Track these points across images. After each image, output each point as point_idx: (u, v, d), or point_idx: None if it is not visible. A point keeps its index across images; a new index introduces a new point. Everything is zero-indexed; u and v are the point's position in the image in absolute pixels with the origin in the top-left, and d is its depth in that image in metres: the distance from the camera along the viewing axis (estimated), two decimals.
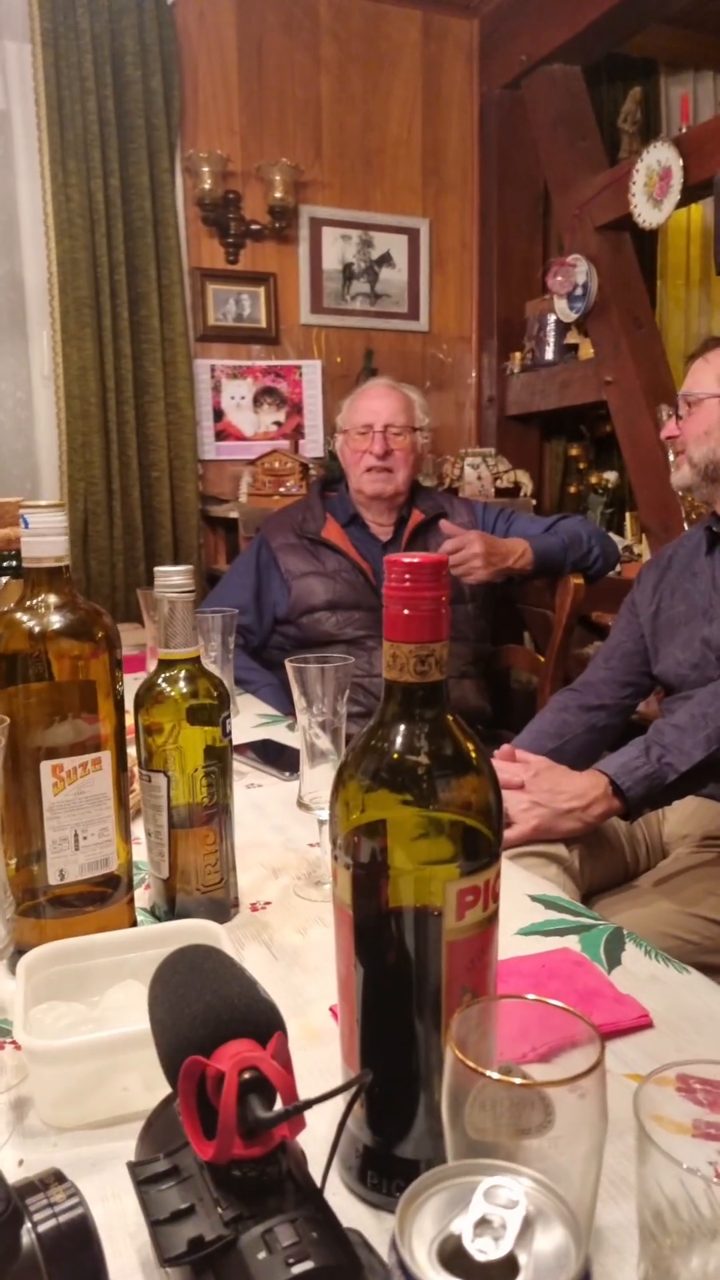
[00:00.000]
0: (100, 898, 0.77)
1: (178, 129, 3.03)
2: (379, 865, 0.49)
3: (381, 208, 3.38)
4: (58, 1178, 0.44)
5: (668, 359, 2.91)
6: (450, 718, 0.50)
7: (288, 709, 1.84)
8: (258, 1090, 0.42)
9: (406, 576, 0.48)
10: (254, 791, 1.22)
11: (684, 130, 2.54)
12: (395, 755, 0.49)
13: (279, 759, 1.32)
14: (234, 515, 2.99)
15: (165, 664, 0.83)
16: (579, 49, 2.96)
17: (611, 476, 3.36)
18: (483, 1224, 0.30)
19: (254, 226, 3.17)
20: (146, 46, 2.91)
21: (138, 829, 0.86)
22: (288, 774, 1.27)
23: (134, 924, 0.80)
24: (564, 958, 0.76)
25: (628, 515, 3.31)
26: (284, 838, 1.06)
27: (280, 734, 1.49)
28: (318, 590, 1.96)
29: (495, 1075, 0.41)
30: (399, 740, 0.49)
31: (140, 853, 0.85)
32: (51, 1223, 0.41)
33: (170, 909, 0.84)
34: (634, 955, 0.78)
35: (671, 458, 1.50)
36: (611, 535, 2.41)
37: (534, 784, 1.22)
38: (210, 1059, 0.43)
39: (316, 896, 0.91)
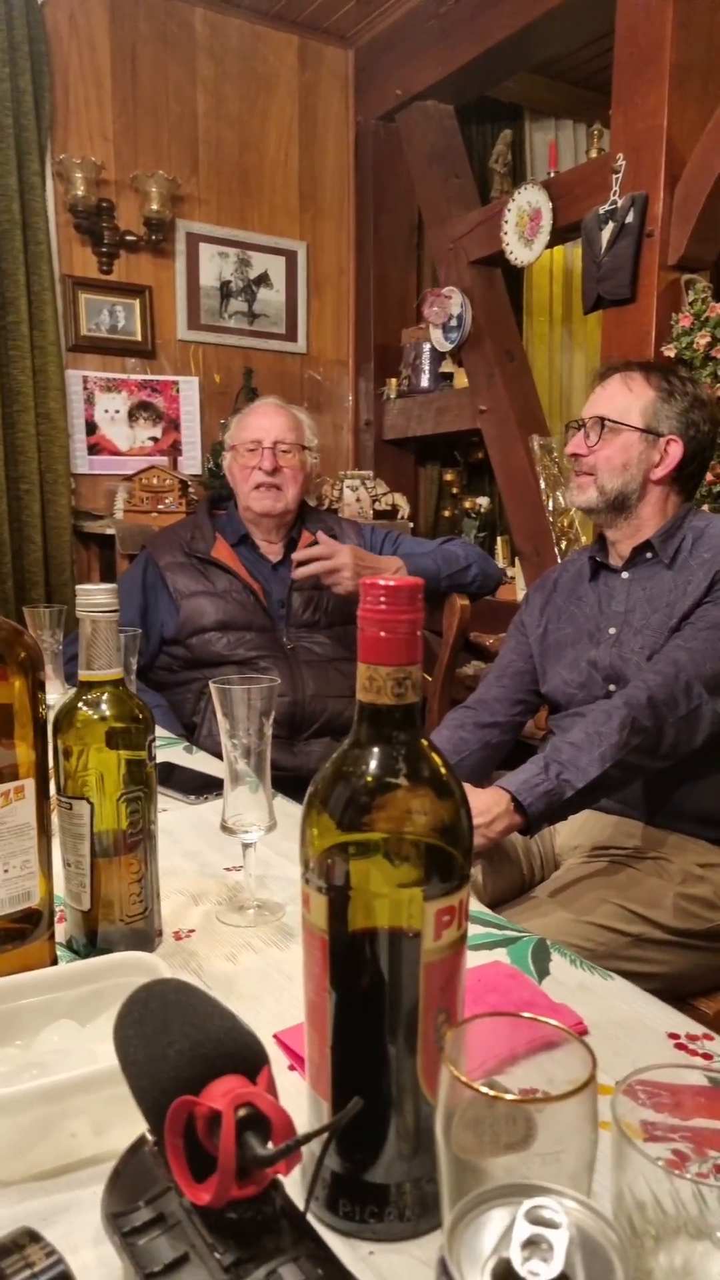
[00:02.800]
0: (20, 934, 0.73)
1: (48, 131, 2.94)
2: (356, 888, 0.49)
3: (259, 228, 3.39)
4: (32, 1237, 0.41)
5: (537, 391, 3.05)
6: (424, 741, 0.51)
7: (179, 730, 1.80)
8: (254, 1127, 0.41)
9: (382, 599, 0.49)
10: (161, 817, 1.17)
11: (552, 175, 2.68)
12: (371, 778, 0.49)
13: (181, 782, 1.29)
14: (110, 531, 2.91)
15: (86, 685, 0.79)
16: (452, 88, 3.08)
17: (484, 501, 3.48)
18: (530, 1245, 0.30)
19: (129, 237, 3.11)
20: (15, 44, 2.81)
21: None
22: (193, 797, 1.24)
23: (55, 960, 0.76)
24: (497, 970, 0.78)
25: (499, 539, 3.43)
26: (198, 863, 1.03)
27: (178, 756, 1.45)
28: (208, 610, 1.92)
29: (491, 1092, 0.41)
30: (375, 763, 0.49)
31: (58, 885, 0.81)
32: None
33: (91, 942, 0.80)
34: (561, 965, 0.81)
35: (574, 476, 1.51)
36: None
37: None
38: (199, 1097, 0.41)
39: (240, 922, 0.89)
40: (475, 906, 0.94)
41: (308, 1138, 0.40)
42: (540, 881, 1.45)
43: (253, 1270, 0.38)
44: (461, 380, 3.13)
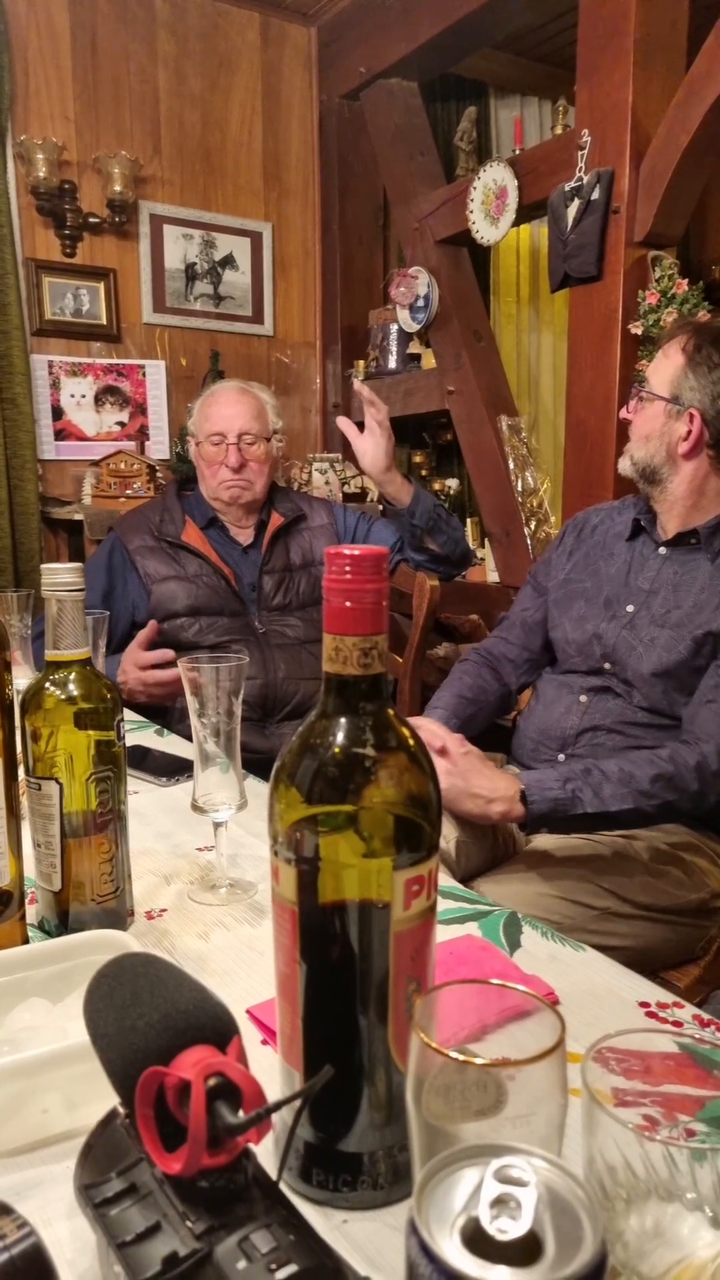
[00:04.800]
0: None
1: (8, 112, 2.89)
2: (325, 860, 0.49)
3: (223, 209, 3.36)
4: (3, 1209, 0.41)
5: (505, 372, 3.05)
6: (390, 710, 0.51)
7: (150, 714, 1.79)
8: (224, 1096, 0.41)
9: (347, 568, 0.48)
10: (132, 799, 1.17)
11: (517, 152, 2.67)
12: (338, 749, 0.49)
13: (154, 765, 1.28)
14: (78, 517, 2.88)
15: (54, 665, 0.79)
16: (415, 65, 3.05)
17: (453, 483, 3.48)
18: (498, 1204, 0.30)
19: (92, 219, 3.07)
20: None
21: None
22: (164, 779, 1.23)
23: (26, 941, 0.76)
24: (469, 944, 0.78)
25: (468, 521, 3.44)
26: (170, 844, 1.03)
27: (149, 739, 1.44)
28: (179, 595, 1.91)
29: (460, 1057, 0.42)
30: (342, 734, 0.49)
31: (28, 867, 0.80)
32: (4, 1256, 0.38)
33: (62, 923, 0.80)
34: (532, 937, 0.82)
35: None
36: None
37: (458, 759, 1.23)
38: (169, 1068, 0.41)
39: (213, 901, 0.89)
40: (447, 882, 0.95)
41: (278, 1105, 0.40)
42: (512, 855, 1.46)
43: (225, 1237, 0.38)
44: (429, 361, 3.12)
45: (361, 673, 0.49)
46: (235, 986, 0.73)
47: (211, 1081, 0.40)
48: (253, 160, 3.40)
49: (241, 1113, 0.41)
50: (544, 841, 1.43)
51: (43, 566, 0.78)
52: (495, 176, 2.62)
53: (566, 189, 2.30)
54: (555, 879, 1.30)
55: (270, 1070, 0.56)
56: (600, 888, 1.30)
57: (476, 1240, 0.29)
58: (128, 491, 2.96)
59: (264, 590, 1.96)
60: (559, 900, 1.28)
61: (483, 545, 3.23)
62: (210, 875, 0.93)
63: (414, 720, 1.43)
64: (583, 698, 1.47)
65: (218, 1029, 0.43)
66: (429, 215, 2.93)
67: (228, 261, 3.37)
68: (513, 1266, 0.28)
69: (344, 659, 0.49)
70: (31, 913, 0.82)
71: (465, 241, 2.86)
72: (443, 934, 0.82)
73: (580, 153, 2.26)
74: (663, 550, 1.43)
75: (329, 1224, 0.51)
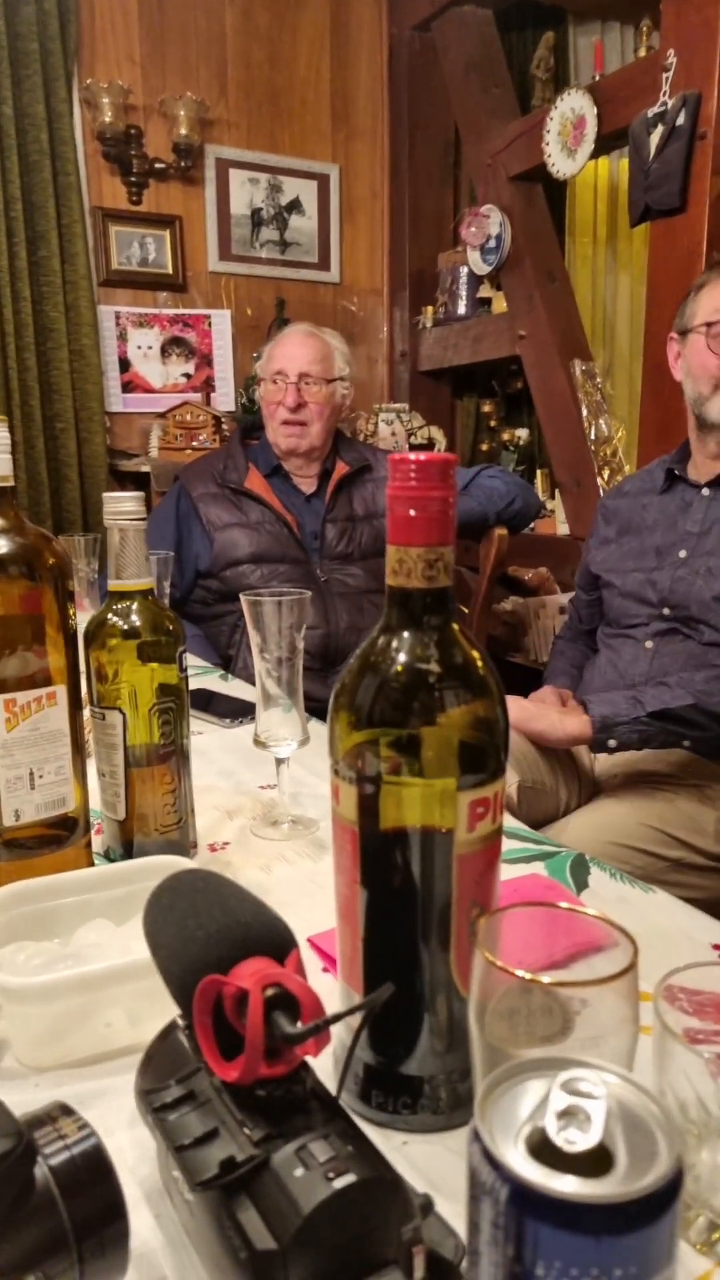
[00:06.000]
0: (56, 840, 0.73)
1: (75, 56, 2.86)
2: (386, 780, 0.47)
3: (290, 151, 3.29)
4: (65, 1110, 0.41)
5: (579, 315, 2.94)
6: (456, 626, 0.48)
7: (215, 660, 1.80)
8: (282, 1007, 0.40)
9: (412, 474, 0.46)
10: (196, 739, 1.18)
11: (597, 79, 2.55)
12: (401, 666, 0.48)
13: (218, 706, 1.29)
14: (145, 469, 2.89)
15: (116, 596, 0.78)
16: None
17: (523, 434, 3.39)
18: (566, 1115, 0.29)
19: (157, 165, 3.04)
20: None
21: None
22: (229, 720, 1.24)
23: (91, 866, 0.77)
24: (535, 882, 0.77)
25: (539, 473, 3.36)
26: (234, 782, 1.03)
27: (214, 684, 1.45)
28: (241, 543, 1.91)
29: (526, 975, 0.40)
30: (406, 650, 0.48)
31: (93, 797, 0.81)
32: (65, 1155, 0.39)
33: (127, 852, 0.80)
34: (600, 878, 0.80)
35: None
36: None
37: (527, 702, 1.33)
38: (228, 978, 0.41)
39: (275, 836, 0.89)
40: (512, 822, 0.93)
41: (337, 1017, 0.39)
42: (578, 808, 1.43)
43: (282, 1145, 0.38)
44: (500, 305, 3.03)
45: (426, 585, 0.47)
46: (297, 917, 0.72)
47: (269, 991, 0.40)
48: (320, 100, 3.32)
49: (300, 1024, 0.40)
50: (612, 793, 1.40)
51: (105, 495, 0.77)
52: (573, 105, 2.50)
53: (649, 115, 2.18)
54: (624, 829, 1.27)
55: (330, 999, 0.55)
56: (672, 838, 1.27)
57: (542, 1151, 0.28)
58: (193, 443, 2.97)
59: (326, 539, 1.95)
60: (628, 850, 1.25)
61: (552, 497, 3.15)
62: (273, 811, 0.93)
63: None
64: (648, 643, 1.43)
65: (276, 942, 0.43)
66: (502, 150, 2.82)
67: (294, 206, 3.31)
68: (582, 1177, 0.26)
69: (408, 571, 0.47)
70: (97, 843, 0.83)
71: (540, 177, 2.75)
72: (507, 873, 0.80)
73: (665, 76, 2.14)
74: (705, 492, 1.41)
75: (389, 1145, 0.50)
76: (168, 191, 3.11)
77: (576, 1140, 0.28)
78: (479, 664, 0.49)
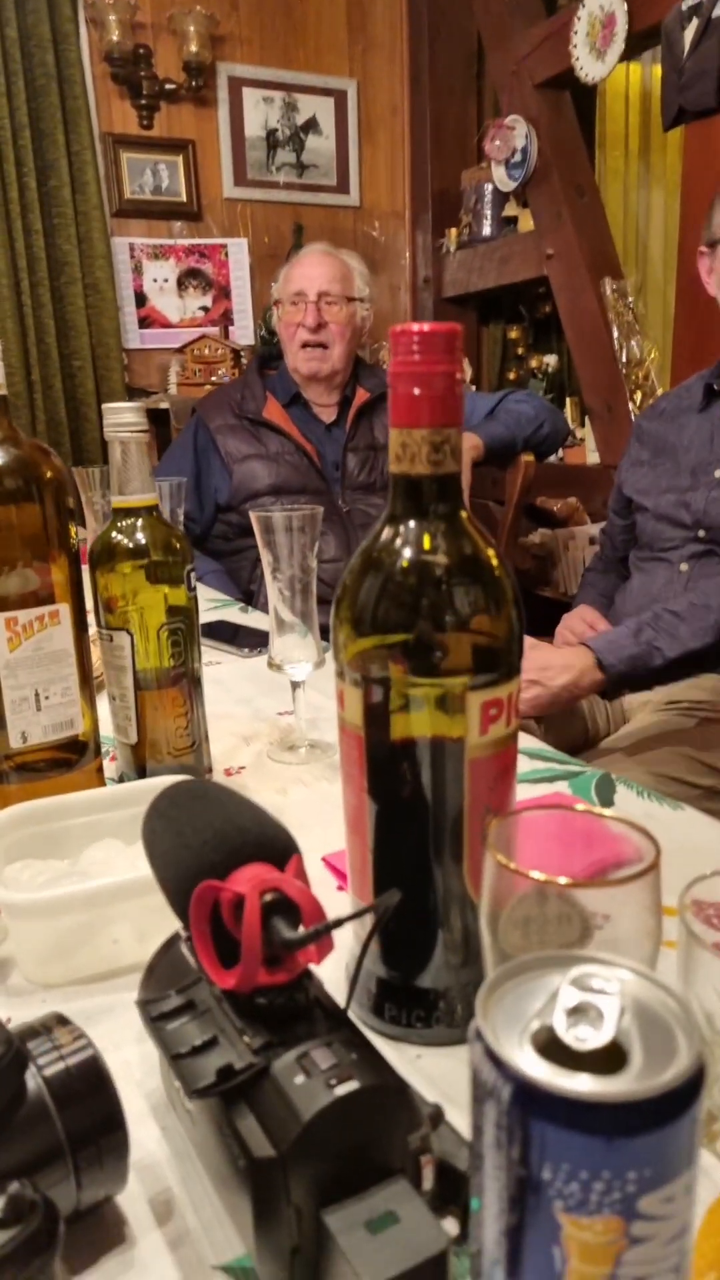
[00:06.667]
0: (65, 763, 0.72)
1: None
2: (394, 680, 0.45)
3: (305, 67, 3.15)
4: (60, 1020, 0.40)
5: (610, 231, 2.81)
6: (465, 514, 0.45)
7: (236, 594, 1.78)
8: (281, 912, 0.38)
9: (415, 348, 0.42)
10: (214, 669, 1.16)
11: None
12: (407, 559, 0.44)
13: (236, 638, 1.27)
14: (164, 406, 2.85)
15: (120, 513, 0.76)
16: None
17: (551, 360, 3.29)
18: (576, 1012, 0.26)
19: (168, 86, 2.93)
20: None
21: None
22: (246, 650, 1.22)
23: None
24: (558, 799, 0.74)
25: (568, 400, 3.26)
26: (251, 709, 1.02)
27: (233, 616, 1.43)
28: (260, 474, 1.87)
29: (540, 876, 0.38)
30: (411, 541, 0.44)
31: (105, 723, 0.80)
32: (59, 1065, 0.37)
33: (140, 777, 0.79)
34: (626, 796, 0.77)
35: None
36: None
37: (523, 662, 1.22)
38: (225, 883, 0.39)
39: (291, 760, 0.87)
40: (534, 743, 0.90)
41: (339, 922, 0.37)
42: (605, 737, 1.40)
43: (283, 1053, 0.36)
44: (527, 224, 2.91)
45: (431, 471, 0.43)
46: (312, 837, 0.71)
47: (268, 896, 0.38)
48: (336, 10, 3.16)
49: (301, 930, 0.38)
50: (640, 720, 1.37)
51: (104, 407, 0.74)
52: (602, 3, 2.35)
53: (684, 8, 2.04)
54: (654, 757, 1.24)
55: (344, 912, 0.54)
56: (704, 765, 1.24)
57: (550, 1049, 0.25)
58: (212, 378, 2.91)
59: (348, 469, 1.90)
60: (658, 778, 1.22)
61: (582, 425, 3.06)
62: (289, 736, 0.91)
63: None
64: (683, 566, 1.38)
65: (276, 847, 0.40)
66: (527, 56, 2.68)
67: (311, 126, 3.19)
68: (593, 1074, 0.24)
69: (411, 456, 0.43)
70: (111, 769, 0.82)
71: (568, 84, 2.61)
72: (529, 792, 0.78)
73: None
74: None
75: (402, 1058, 0.49)
76: (179, 114, 3.00)
77: (587, 1038, 0.25)
78: (490, 556, 0.45)
